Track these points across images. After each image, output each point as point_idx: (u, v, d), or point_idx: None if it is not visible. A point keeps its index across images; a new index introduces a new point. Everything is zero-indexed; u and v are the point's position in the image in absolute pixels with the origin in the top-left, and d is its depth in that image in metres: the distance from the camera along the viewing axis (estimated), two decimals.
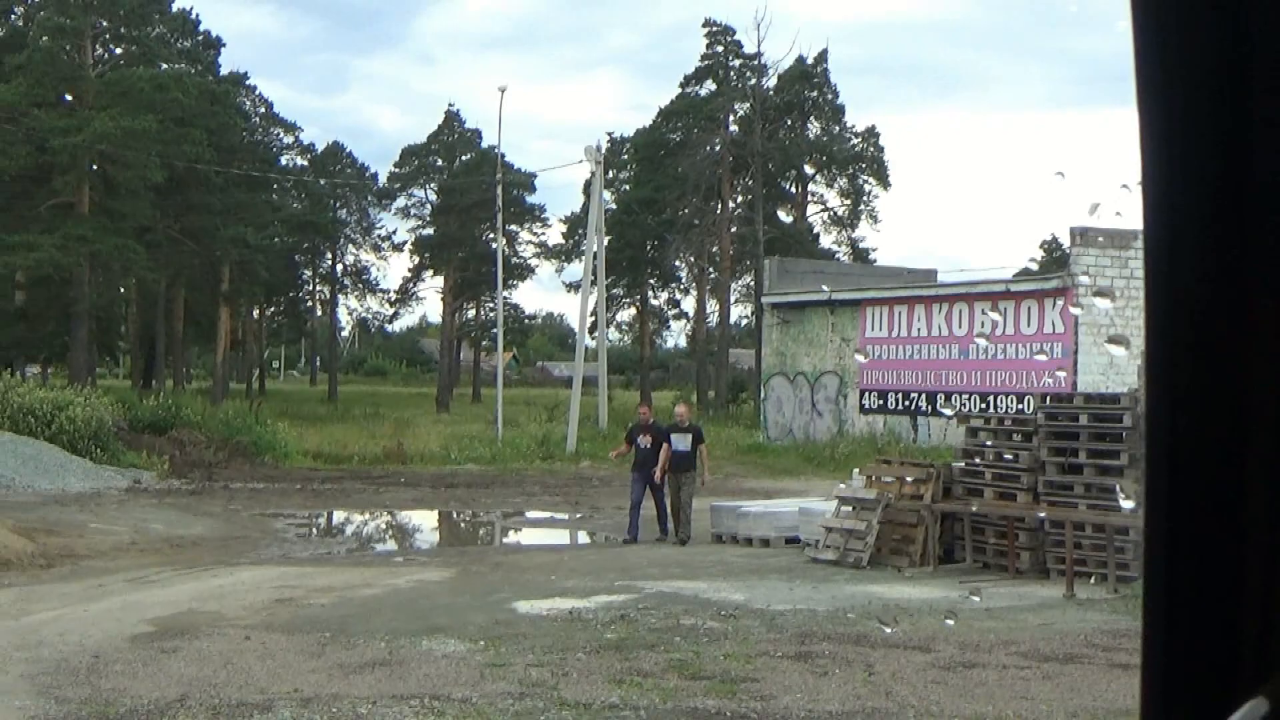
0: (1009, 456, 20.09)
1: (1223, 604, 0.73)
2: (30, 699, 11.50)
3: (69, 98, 56.86)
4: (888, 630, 14.09)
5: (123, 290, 67.11)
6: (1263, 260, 0.70)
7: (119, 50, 64.11)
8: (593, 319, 54.71)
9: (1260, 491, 0.72)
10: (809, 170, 76.17)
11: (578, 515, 25.01)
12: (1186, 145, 0.72)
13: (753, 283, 65.22)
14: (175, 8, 68.46)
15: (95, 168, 55.48)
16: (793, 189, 76.79)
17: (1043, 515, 19.27)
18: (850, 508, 21.19)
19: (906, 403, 42.83)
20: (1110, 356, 29.77)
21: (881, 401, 43.80)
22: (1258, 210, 0.70)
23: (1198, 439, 0.74)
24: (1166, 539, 0.76)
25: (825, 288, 44.88)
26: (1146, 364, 0.77)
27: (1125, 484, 18.38)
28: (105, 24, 63.07)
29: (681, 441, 23.21)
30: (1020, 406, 28.49)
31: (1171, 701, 0.75)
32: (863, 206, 77.41)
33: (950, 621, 15.96)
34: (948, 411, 38.94)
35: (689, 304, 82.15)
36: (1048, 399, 21.44)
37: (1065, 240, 38.47)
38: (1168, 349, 0.75)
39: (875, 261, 68.66)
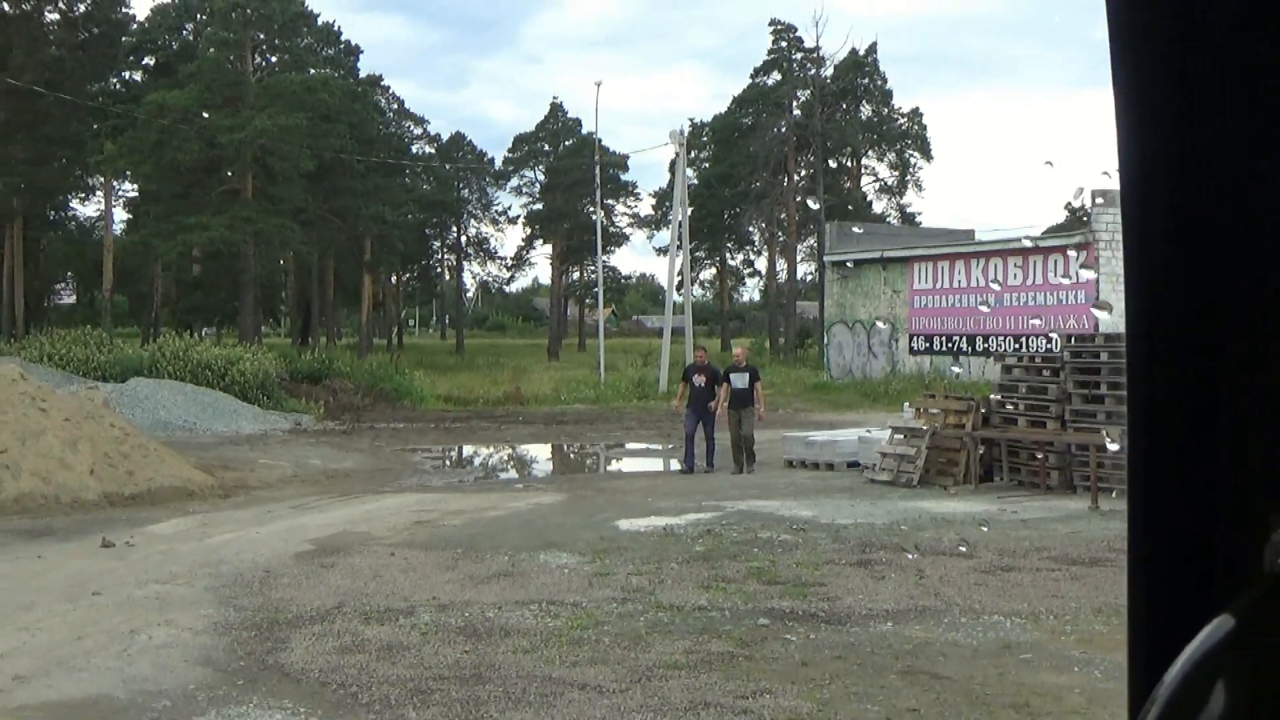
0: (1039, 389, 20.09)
1: (1195, 529, 0.73)
2: (213, 608, 11.69)
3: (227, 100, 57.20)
4: (910, 557, 14.04)
5: (282, 262, 67.68)
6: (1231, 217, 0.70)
7: (274, 59, 64.48)
8: (679, 278, 54.60)
9: (1226, 430, 0.72)
10: (862, 147, 75.82)
11: (669, 446, 25.02)
12: (1156, 124, 0.72)
13: (815, 244, 65.02)
14: (321, 21, 68.77)
15: (256, 159, 55.89)
16: (848, 163, 76.43)
17: (1069, 440, 19.26)
18: (902, 436, 21.21)
19: (949, 345, 42.89)
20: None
21: (928, 344, 43.86)
22: (1221, 167, 0.70)
23: (1172, 391, 0.74)
24: (1145, 472, 0.76)
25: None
26: (1128, 321, 0.77)
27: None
28: (262, 36, 63.44)
29: (740, 380, 22.74)
30: (1049, 346, 28.15)
31: (1152, 614, 0.75)
32: (909, 177, 77.23)
33: (985, 528, 15.92)
34: (957, 369, 39.08)
35: (761, 263, 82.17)
36: (1072, 339, 21.26)
37: (1088, 201, 37.99)
38: (1146, 307, 0.74)
39: (920, 224, 68.07)
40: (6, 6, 55.51)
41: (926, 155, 76.49)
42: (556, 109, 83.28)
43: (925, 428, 20.84)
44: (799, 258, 74.24)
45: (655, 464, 24.31)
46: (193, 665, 9.67)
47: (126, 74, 63.60)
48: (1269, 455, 0.68)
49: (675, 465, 23.01)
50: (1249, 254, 0.69)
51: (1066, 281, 37.52)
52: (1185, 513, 0.73)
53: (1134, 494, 0.76)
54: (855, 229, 51.86)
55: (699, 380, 22.95)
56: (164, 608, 11.62)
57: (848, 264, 48.10)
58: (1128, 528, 0.76)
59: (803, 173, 71.71)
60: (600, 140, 66.17)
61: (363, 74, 73.20)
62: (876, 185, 78.00)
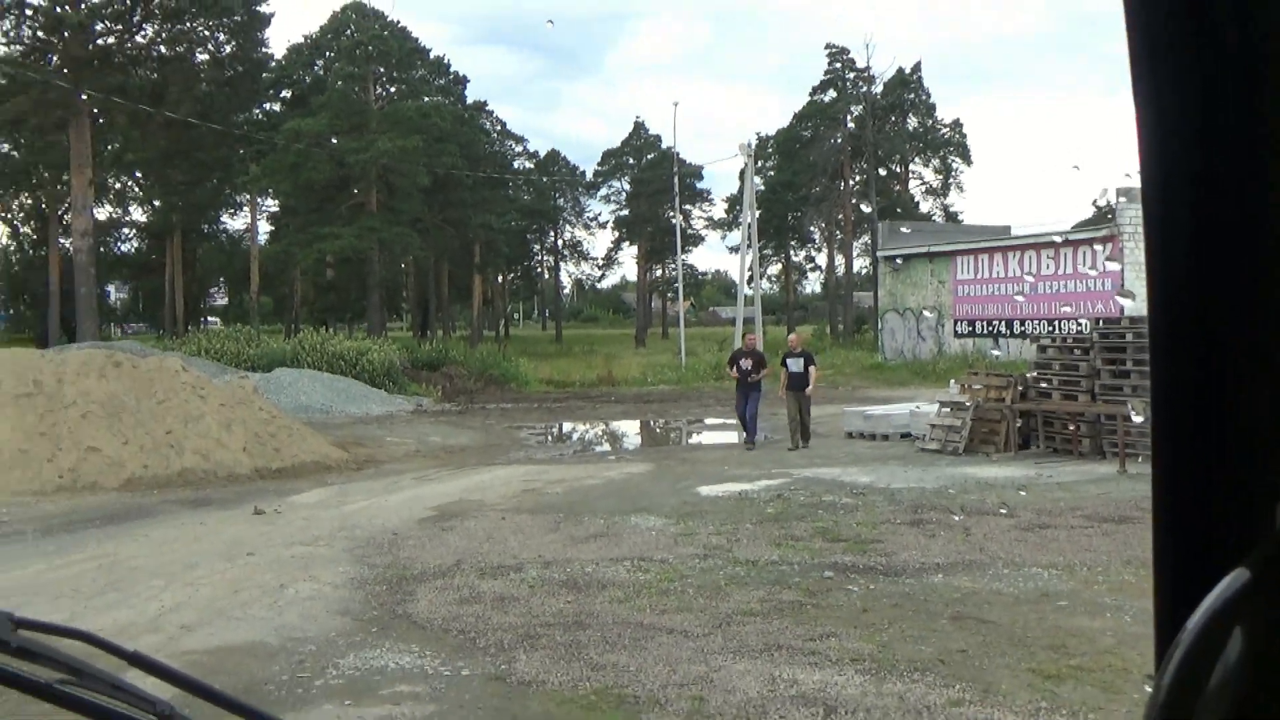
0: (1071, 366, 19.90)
1: (1213, 491, 0.72)
2: (349, 565, 11.84)
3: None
4: (956, 518, 13.92)
5: (403, 266, 68.24)
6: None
7: (393, 89, 64.95)
8: (749, 273, 54.32)
9: (1238, 403, 0.71)
10: (909, 154, 75.30)
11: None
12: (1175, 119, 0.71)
13: (869, 241, 64.67)
14: (433, 55, 69.19)
15: (380, 177, 56.37)
16: (897, 169, 75.78)
17: (1099, 411, 19.04)
18: (949, 409, 21.08)
19: (990, 329, 42.54)
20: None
21: (971, 328, 43.54)
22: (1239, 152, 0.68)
23: (1189, 367, 0.73)
24: (1166, 441, 0.75)
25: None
26: (1150, 306, 0.76)
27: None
28: (382, 70, 63.93)
29: (796, 364, 21.91)
30: (1079, 328, 27.75)
31: (1176, 567, 0.74)
32: (951, 180, 76.46)
33: (1024, 491, 15.77)
34: (996, 351, 38.69)
35: (821, 259, 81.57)
36: (1100, 321, 20.96)
37: (1113, 199, 37.53)
38: (1166, 294, 0.74)
39: (963, 221, 67.31)
40: (164, 49, 56.29)
41: (967, 160, 75.81)
42: (639, 127, 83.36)
43: (969, 402, 20.72)
44: (855, 253, 74.32)
45: (731, 437, 24.23)
46: (333, 615, 9.80)
47: (267, 105, 64.31)
48: (1278, 426, 0.67)
49: (743, 436, 22.72)
50: (1258, 248, 0.68)
51: (1093, 272, 37.02)
52: (1203, 477, 0.72)
53: (1157, 460, 0.75)
54: (904, 228, 51.42)
55: (745, 364, 22.42)
56: (308, 566, 11.79)
57: (898, 259, 47.86)
58: (1152, 490, 0.75)
59: (857, 178, 71.34)
60: (678, 153, 66.34)
61: (470, 100, 73.63)
62: (923, 188, 77.35)
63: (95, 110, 52.06)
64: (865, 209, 68.27)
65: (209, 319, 69.12)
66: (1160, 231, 0.72)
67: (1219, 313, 0.69)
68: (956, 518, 13.86)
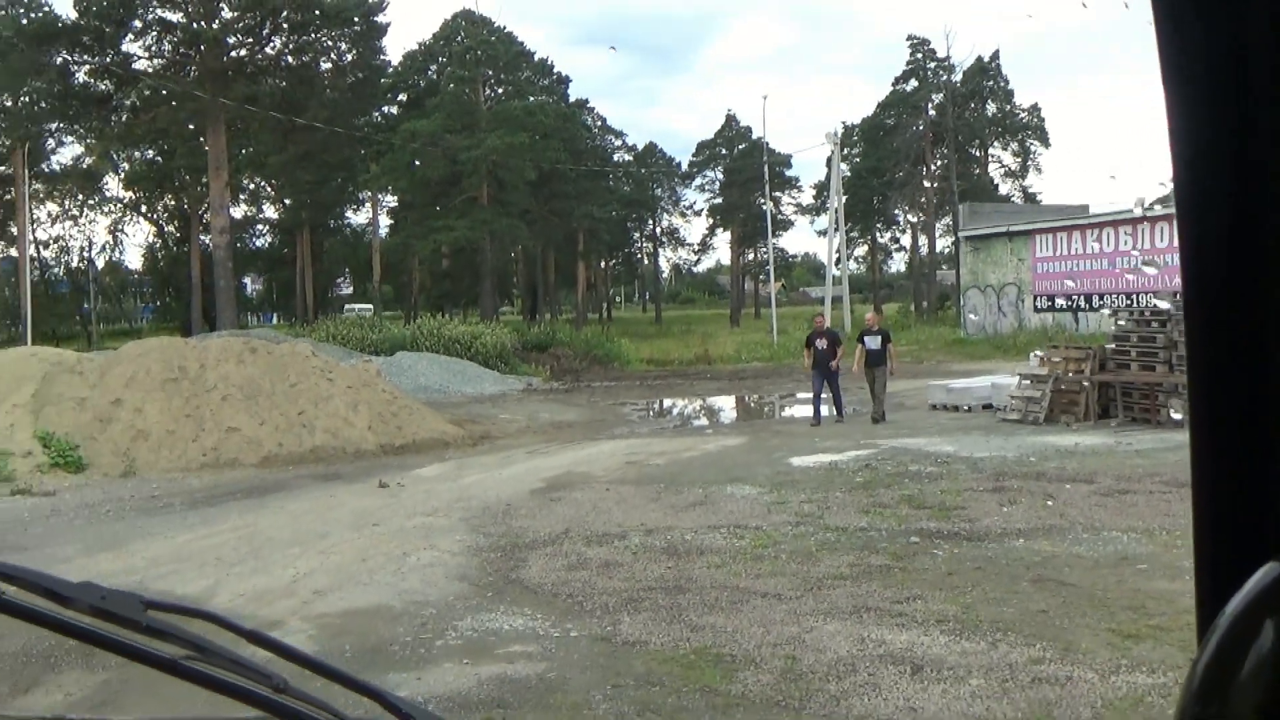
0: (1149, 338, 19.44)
1: (1250, 485, 0.70)
2: (466, 534, 11.98)
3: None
4: (1039, 485, 13.64)
5: (512, 255, 68.76)
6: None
7: (501, 90, 65.30)
8: (836, 255, 54.07)
9: (1273, 397, 0.69)
10: (989, 139, 73.99)
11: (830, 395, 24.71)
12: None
13: (951, 222, 63.72)
14: (537, 57, 69.55)
15: (490, 172, 56.77)
16: (977, 153, 74.46)
17: (1176, 381, 18.59)
18: (1029, 381, 20.74)
19: (1069, 303, 41.79)
20: None
21: (1050, 303, 42.85)
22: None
23: (1224, 363, 0.71)
24: (1204, 434, 0.73)
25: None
26: (1184, 302, 0.74)
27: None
28: (491, 73, 64.30)
29: (873, 342, 21.40)
30: (1155, 302, 27.12)
31: (1216, 557, 0.72)
32: (1030, 162, 74.95)
33: (1103, 458, 15.45)
34: (1106, 311, 37.74)
35: (905, 240, 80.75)
36: (1177, 294, 20.46)
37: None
38: (1200, 267, 0.71)
39: (1041, 201, 66.03)
40: (291, 59, 57.23)
41: (1045, 143, 74.28)
42: (730, 119, 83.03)
43: (1049, 374, 20.36)
44: (936, 234, 73.27)
45: (822, 410, 24.08)
46: (452, 580, 9.93)
47: (386, 109, 65.07)
48: None
49: (834, 410, 22.36)
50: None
51: (1169, 246, 36.13)
52: (1241, 467, 0.70)
53: (1195, 451, 0.73)
54: (985, 208, 50.78)
55: (820, 344, 21.73)
56: (428, 535, 11.95)
57: (979, 238, 47.23)
58: (1191, 479, 0.73)
59: (938, 163, 70.28)
60: (767, 143, 66.11)
61: (572, 98, 73.76)
62: (1002, 170, 75.94)
63: (230, 118, 53.10)
64: (947, 190, 67.33)
65: (355, 306, 69.97)
66: (1192, 220, 0.70)
67: (1251, 301, 0.67)
68: (1038, 483, 13.64)
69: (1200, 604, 0.64)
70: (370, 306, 68.17)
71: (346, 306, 66.47)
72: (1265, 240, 0.66)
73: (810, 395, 22.31)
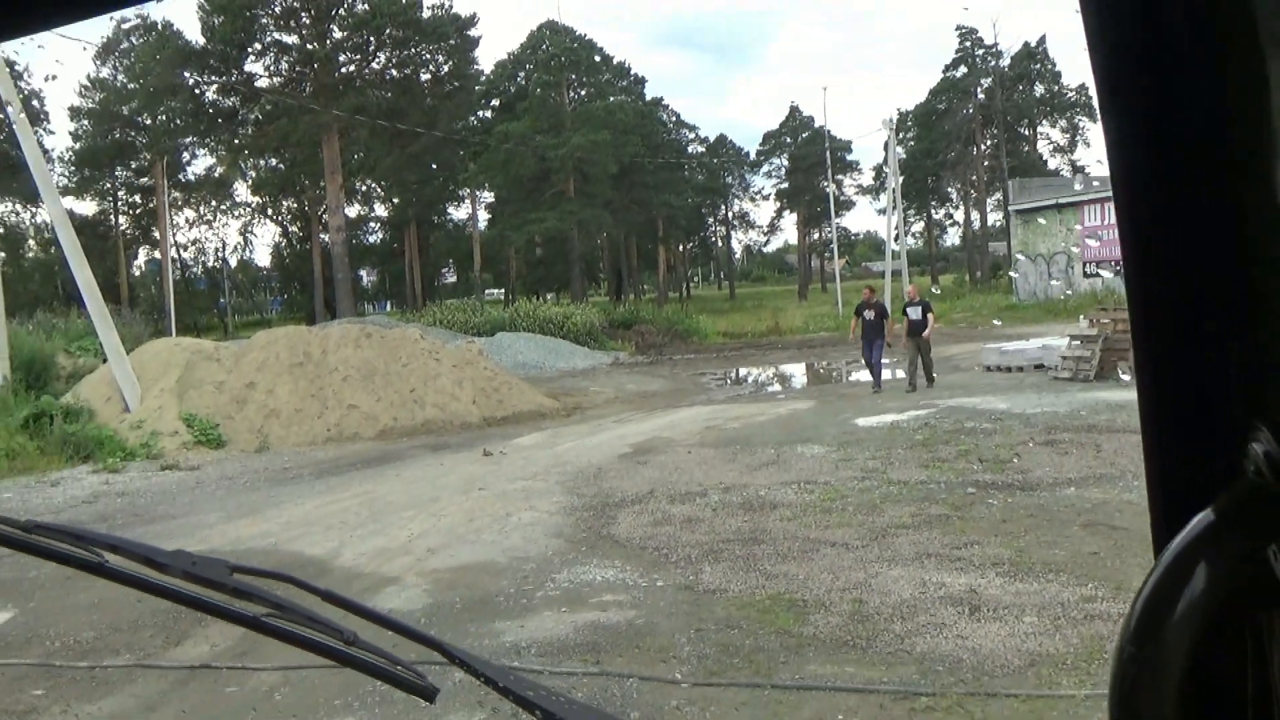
0: None
1: (1194, 434, 0.69)
2: (562, 495, 12.07)
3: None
4: (1088, 437, 13.36)
5: (598, 241, 68.84)
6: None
7: (583, 92, 65.27)
8: (895, 232, 53.43)
9: (1211, 352, 0.67)
10: (1037, 118, 72.29)
11: (894, 359, 24.35)
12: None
13: (1001, 197, 62.57)
14: (616, 61, 69.24)
15: (576, 168, 56.85)
16: (1026, 131, 72.84)
17: None
18: (1079, 341, 20.32)
19: (1117, 268, 40.88)
20: None
21: (1098, 269, 41.89)
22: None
23: (1166, 326, 0.69)
24: (1150, 391, 0.71)
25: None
26: (1125, 271, 0.72)
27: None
28: (574, 77, 64.33)
29: (915, 312, 20.52)
30: None
31: (1164, 501, 0.71)
32: (1078, 137, 73.13)
33: None
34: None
35: (959, 215, 79.38)
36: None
37: None
38: (1140, 253, 0.70)
39: (1089, 174, 64.53)
40: (395, 73, 57.77)
41: (1093, 118, 72.38)
42: (794, 110, 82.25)
43: (1098, 334, 19.91)
44: (988, 208, 71.87)
45: (884, 375, 23.81)
46: (549, 537, 10.01)
47: (480, 113, 65.40)
48: (1247, 372, 0.64)
49: (900, 374, 21.99)
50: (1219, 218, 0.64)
51: None
52: (1183, 428, 0.69)
53: (1144, 412, 0.72)
54: (1034, 183, 49.81)
55: (869, 315, 20.98)
56: (528, 497, 12.05)
57: (1029, 211, 46.40)
58: (1142, 438, 0.72)
59: (988, 143, 69.01)
60: (828, 131, 65.53)
61: (648, 97, 73.40)
62: (1050, 147, 74.15)
63: (343, 127, 53.81)
64: (997, 168, 66.05)
65: (492, 291, 70.26)
66: (1126, 172, 0.68)
67: (1190, 268, 0.66)
68: (1089, 435, 13.37)
69: (1155, 550, 0.63)
70: (500, 291, 68.86)
71: (487, 292, 66.81)
72: (1199, 214, 0.64)
73: (867, 365, 21.62)
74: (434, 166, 61.89)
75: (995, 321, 38.56)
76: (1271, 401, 0.62)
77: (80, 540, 1.28)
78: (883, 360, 21.18)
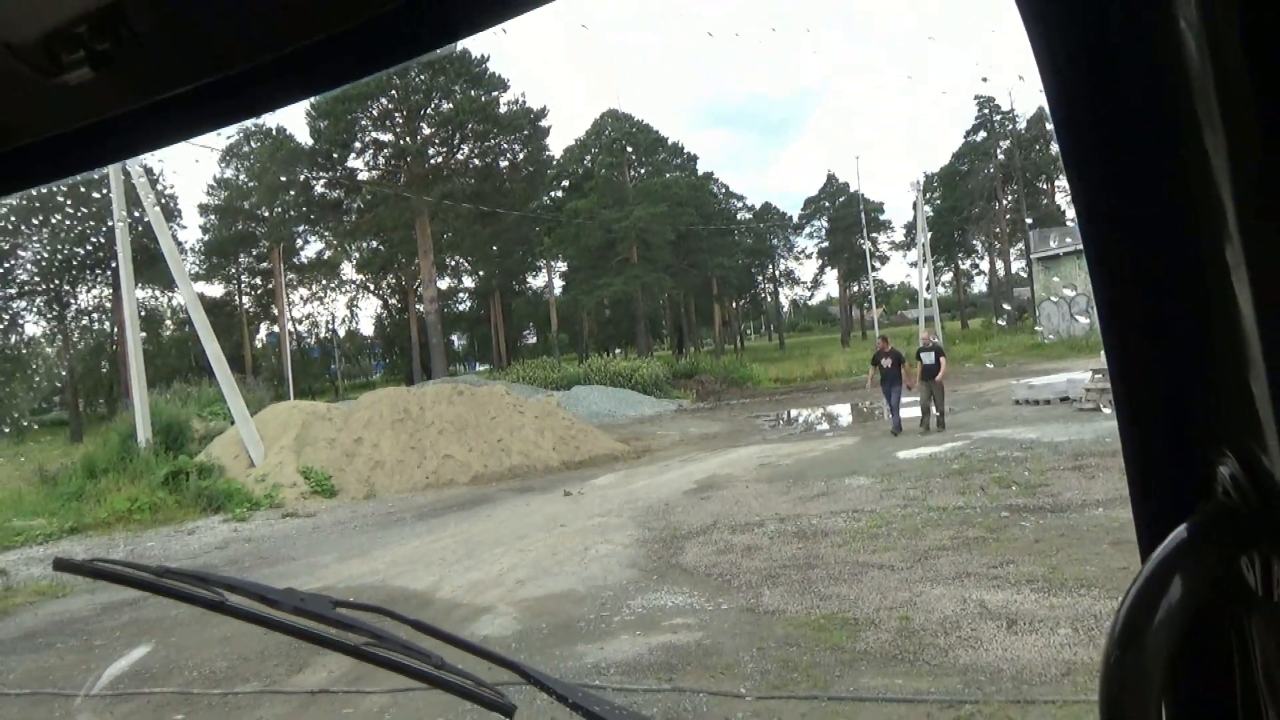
0: None
1: (1169, 455, 0.69)
2: (634, 529, 12.03)
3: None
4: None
5: (660, 302, 69.01)
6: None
7: (643, 170, 65.78)
8: (927, 282, 53.03)
9: (1179, 380, 0.67)
10: (1055, 173, 71.46)
11: (913, 402, 23.91)
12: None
13: (1023, 246, 61.81)
14: (670, 141, 69.70)
15: (638, 238, 57.17)
16: (1044, 185, 71.99)
17: None
18: (1100, 375, 19.84)
19: None
20: None
21: None
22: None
23: (1139, 354, 0.69)
24: (1128, 416, 0.71)
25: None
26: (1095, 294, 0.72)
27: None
28: (634, 157, 64.94)
29: (928, 357, 19.76)
30: None
31: (1146, 517, 0.71)
32: None
33: None
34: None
35: (985, 264, 78.49)
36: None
37: None
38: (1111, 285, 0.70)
39: None
40: (477, 162, 58.77)
41: None
42: (831, 177, 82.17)
43: None
44: (1012, 257, 71.04)
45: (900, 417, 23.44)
46: (624, 567, 9.97)
47: (552, 193, 66.18)
48: (1212, 402, 0.64)
49: (932, 410, 21.43)
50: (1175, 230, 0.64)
51: None
52: (1159, 449, 0.69)
53: (1123, 431, 0.72)
54: (1053, 233, 49.19)
55: (886, 362, 20.30)
56: (604, 532, 12.03)
57: (1049, 258, 45.82)
58: (1123, 459, 0.72)
59: (1009, 198, 68.33)
60: (862, 194, 65.48)
61: (700, 172, 73.75)
62: (1067, 198, 72.95)
63: (433, 211, 54.81)
64: (1019, 221, 65.33)
65: (618, 349, 70.00)
66: (1095, 232, 0.68)
67: (1154, 300, 0.66)
68: (1115, 460, 13.05)
69: (1142, 562, 0.63)
70: (637, 359, 69.31)
71: (615, 351, 66.44)
72: (1162, 243, 0.64)
73: (888, 409, 20.69)
74: (514, 242, 62.59)
75: (988, 364, 37.79)
76: (1235, 428, 0.62)
77: (204, 582, 1.32)
78: (902, 403, 20.34)
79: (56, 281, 48.88)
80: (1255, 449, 0.60)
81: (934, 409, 19.59)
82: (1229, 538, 0.62)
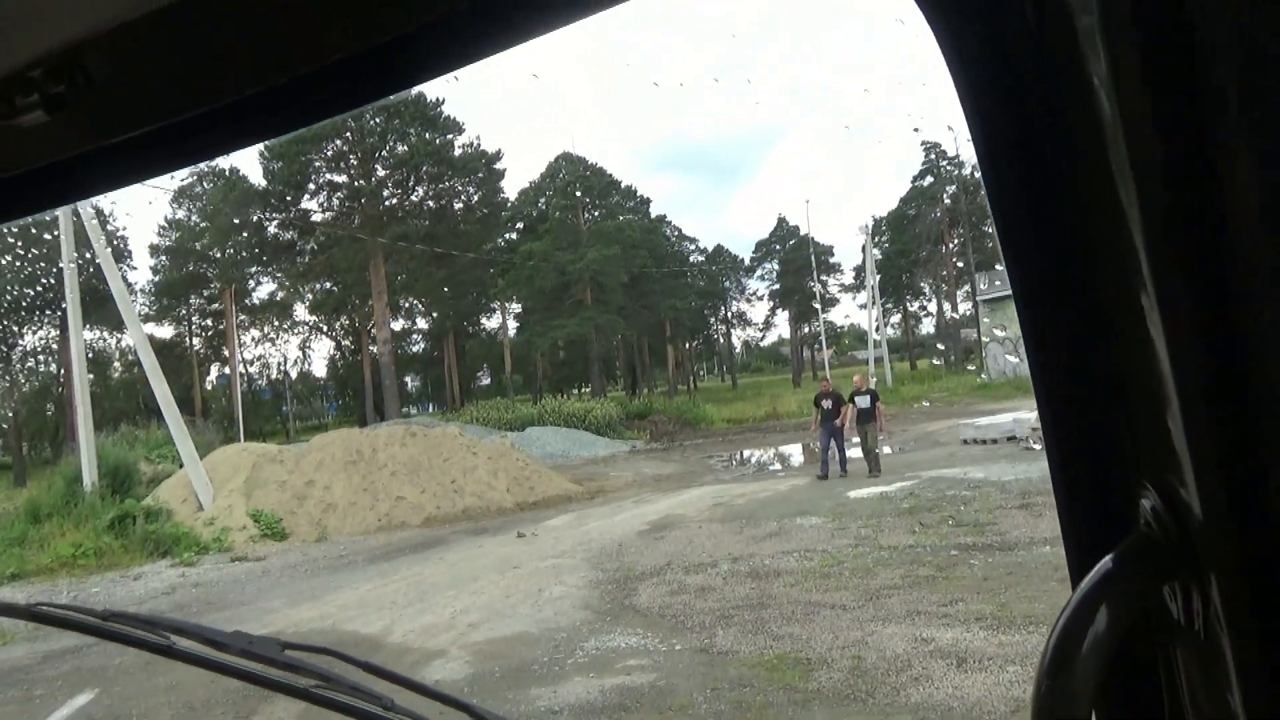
0: None
1: (1096, 489, 0.71)
2: (588, 570, 11.94)
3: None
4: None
5: (614, 343, 69.10)
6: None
7: (596, 213, 66.12)
8: (876, 324, 53.68)
9: (1105, 414, 0.69)
10: None
11: (881, 437, 23.94)
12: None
13: (969, 289, 62.84)
14: (624, 185, 70.18)
15: (592, 279, 57.35)
16: (989, 229, 73.26)
17: None
18: None
19: None
20: None
21: None
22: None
23: (1063, 385, 0.71)
24: (1055, 446, 0.73)
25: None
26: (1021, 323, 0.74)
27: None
28: (588, 200, 65.26)
29: (863, 401, 19.30)
30: None
31: (1075, 549, 0.73)
32: None
33: None
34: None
35: (932, 306, 79.65)
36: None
37: None
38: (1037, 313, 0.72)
39: None
40: (432, 204, 58.74)
41: None
42: (781, 220, 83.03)
43: None
44: (959, 299, 72.14)
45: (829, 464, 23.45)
46: (578, 609, 9.89)
47: (507, 235, 66.24)
48: (1133, 438, 0.66)
49: (886, 450, 21.59)
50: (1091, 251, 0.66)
51: None
52: (1085, 484, 0.71)
53: (1052, 471, 0.74)
54: (1000, 275, 50.03)
55: (825, 404, 19.69)
56: (558, 573, 11.94)
57: (995, 300, 46.52)
58: (1053, 493, 0.75)
59: (955, 241, 69.51)
60: (812, 238, 66.36)
61: (653, 215, 74.28)
62: None
63: (387, 253, 54.63)
64: (965, 263, 66.45)
65: (573, 390, 69.14)
66: (1022, 286, 0.71)
67: (1076, 335, 0.68)
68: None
69: (1073, 591, 0.65)
70: (591, 400, 68.97)
71: (569, 392, 65.97)
72: (1078, 232, 0.67)
73: (822, 449, 20.03)
74: (468, 283, 62.45)
75: (926, 403, 38.19)
76: (1156, 462, 0.64)
77: (150, 625, 1.29)
78: (845, 448, 19.74)
79: (4, 323, 47.98)
80: (1174, 482, 0.62)
81: (875, 451, 19.22)
82: (1151, 568, 0.63)
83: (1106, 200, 0.60)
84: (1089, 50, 0.58)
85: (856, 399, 19.70)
